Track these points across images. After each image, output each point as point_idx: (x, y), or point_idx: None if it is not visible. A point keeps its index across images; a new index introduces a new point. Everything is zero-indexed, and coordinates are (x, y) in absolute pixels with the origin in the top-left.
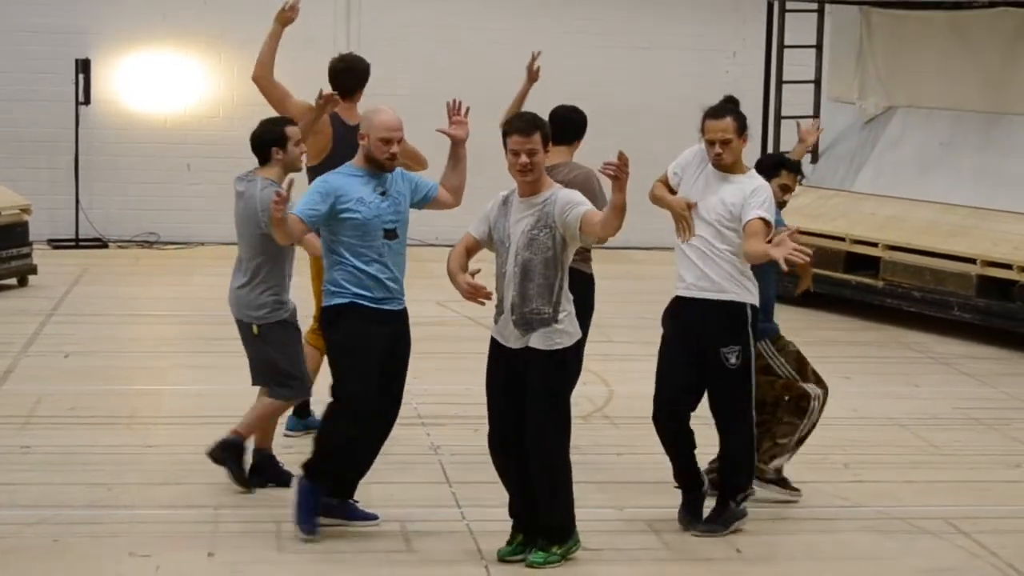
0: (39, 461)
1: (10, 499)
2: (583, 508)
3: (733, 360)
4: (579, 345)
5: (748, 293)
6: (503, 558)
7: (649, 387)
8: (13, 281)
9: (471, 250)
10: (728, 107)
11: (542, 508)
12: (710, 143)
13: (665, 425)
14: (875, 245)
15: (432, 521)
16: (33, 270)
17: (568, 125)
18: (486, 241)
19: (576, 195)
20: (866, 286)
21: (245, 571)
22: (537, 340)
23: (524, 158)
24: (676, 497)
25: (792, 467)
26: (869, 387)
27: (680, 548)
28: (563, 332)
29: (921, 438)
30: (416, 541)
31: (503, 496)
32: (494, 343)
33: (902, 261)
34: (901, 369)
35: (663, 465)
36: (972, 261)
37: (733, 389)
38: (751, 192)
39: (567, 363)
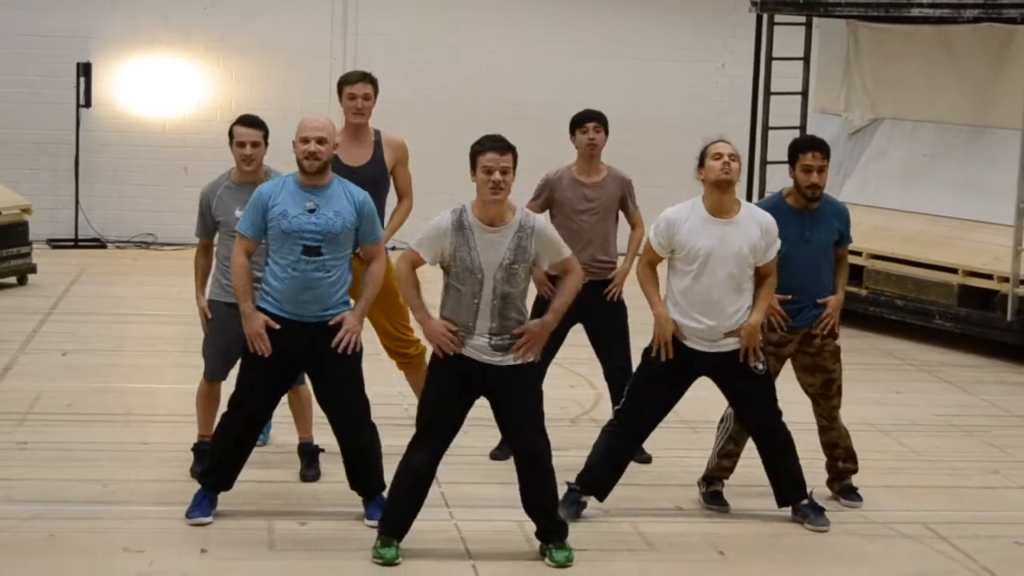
0: (36, 457)
1: (7, 494)
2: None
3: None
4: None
5: None
6: (391, 561)
7: None
8: (13, 280)
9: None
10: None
11: (550, 510)
12: (718, 156)
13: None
14: (859, 254)
15: (421, 520)
16: (32, 269)
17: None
18: (434, 263)
19: (554, 232)
20: (850, 294)
21: (237, 568)
22: (508, 357)
23: (497, 175)
24: (661, 495)
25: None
26: (851, 393)
27: (664, 547)
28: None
29: (902, 444)
30: (405, 541)
31: (493, 496)
32: (459, 356)
33: (885, 270)
34: (883, 376)
35: (651, 467)
36: (954, 271)
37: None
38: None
39: (540, 373)
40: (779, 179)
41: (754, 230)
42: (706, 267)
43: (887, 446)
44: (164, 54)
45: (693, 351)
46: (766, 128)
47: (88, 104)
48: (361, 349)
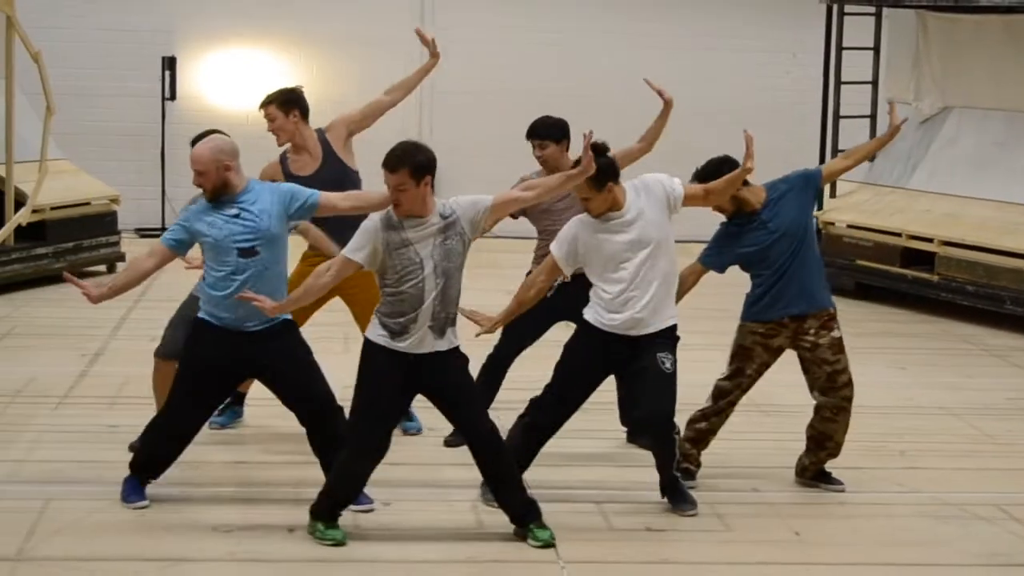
0: (126, 440)
1: (99, 476)
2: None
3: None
4: None
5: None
6: (342, 541)
7: None
8: (103, 268)
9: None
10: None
11: (519, 490)
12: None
13: None
14: (930, 241)
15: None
16: (121, 257)
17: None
18: (371, 266)
19: (474, 196)
20: (922, 280)
21: (324, 548)
22: (446, 342)
23: (394, 194)
24: (736, 477)
25: (849, 454)
26: (924, 378)
27: (740, 528)
28: (457, 330)
29: (974, 427)
30: (485, 517)
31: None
32: (394, 354)
33: (956, 256)
34: (955, 361)
35: (724, 451)
36: None
37: None
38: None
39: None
40: None
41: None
42: None
43: (960, 429)
44: (246, 48)
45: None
46: (837, 117)
47: (173, 97)
48: (307, 349)
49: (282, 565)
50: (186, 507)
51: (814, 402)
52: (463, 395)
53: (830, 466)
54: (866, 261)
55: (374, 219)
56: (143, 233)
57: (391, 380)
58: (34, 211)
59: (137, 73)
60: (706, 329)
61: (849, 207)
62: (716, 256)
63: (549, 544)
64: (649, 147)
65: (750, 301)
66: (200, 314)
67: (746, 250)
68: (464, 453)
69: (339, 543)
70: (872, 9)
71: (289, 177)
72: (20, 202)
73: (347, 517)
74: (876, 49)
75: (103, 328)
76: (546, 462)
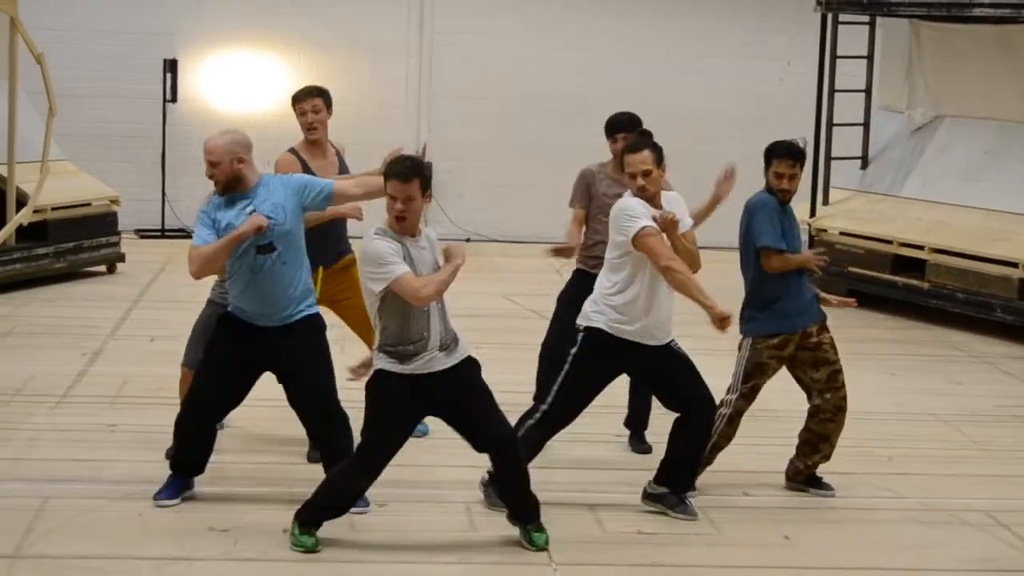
0: (125, 439)
1: (97, 474)
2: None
3: None
4: None
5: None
6: (312, 549)
7: None
8: (103, 268)
9: None
10: (645, 140)
11: (529, 495)
12: (632, 176)
13: None
14: (921, 248)
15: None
16: (121, 258)
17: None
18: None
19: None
20: (912, 287)
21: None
22: (458, 355)
23: (399, 205)
24: (728, 481)
25: (837, 459)
26: (913, 384)
27: (731, 532)
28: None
29: (963, 433)
30: (478, 519)
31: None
32: (405, 379)
33: (947, 264)
34: (944, 367)
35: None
36: (1014, 265)
37: None
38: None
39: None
40: (843, 175)
41: None
42: None
43: (949, 435)
44: (247, 51)
45: None
46: (830, 125)
47: (174, 99)
48: (325, 342)
49: (277, 565)
50: (183, 507)
51: (806, 406)
52: (482, 401)
53: (820, 471)
54: (857, 268)
55: (381, 238)
56: (143, 234)
57: (401, 406)
58: (35, 211)
59: (138, 75)
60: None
61: (841, 214)
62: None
63: (543, 549)
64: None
65: (757, 315)
66: (229, 307)
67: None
68: (458, 455)
69: (309, 551)
70: (866, 18)
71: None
72: (21, 202)
73: (343, 518)
74: (870, 58)
75: (103, 328)
76: (539, 465)
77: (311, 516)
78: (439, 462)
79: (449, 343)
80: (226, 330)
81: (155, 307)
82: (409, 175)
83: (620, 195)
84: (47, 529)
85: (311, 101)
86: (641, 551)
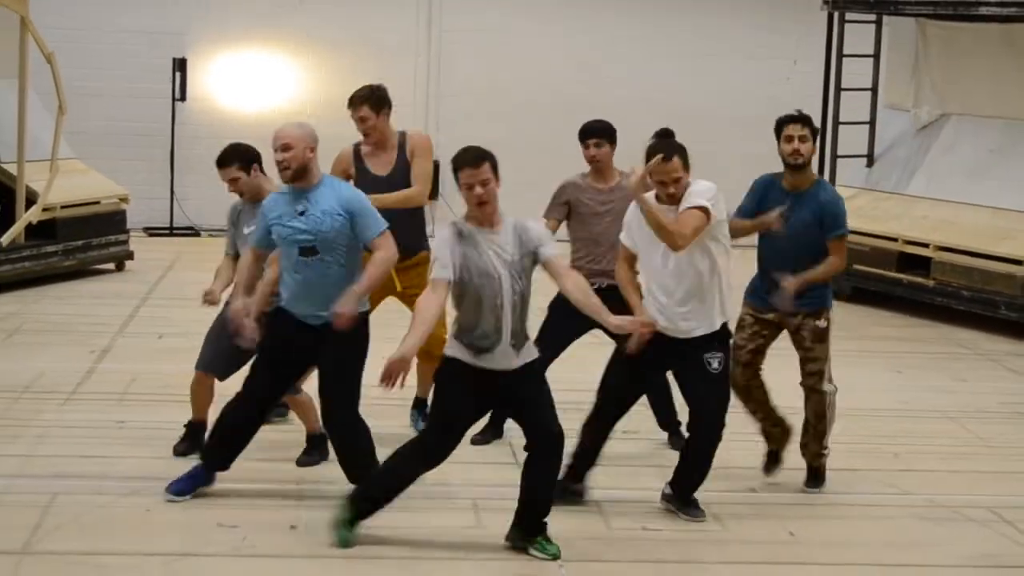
0: (133, 436)
1: (105, 471)
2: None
3: None
4: None
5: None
6: (346, 544)
7: None
8: (111, 266)
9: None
10: (672, 144)
11: (550, 501)
12: (662, 184)
13: None
14: (927, 246)
15: (502, 500)
16: (130, 256)
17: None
18: (456, 277)
19: (542, 227)
20: (918, 285)
21: (326, 545)
22: (524, 356)
23: (479, 189)
24: (732, 477)
25: (843, 455)
26: (919, 381)
27: (736, 529)
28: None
29: (968, 430)
30: (486, 516)
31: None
32: (475, 371)
33: (952, 262)
34: (950, 364)
35: (720, 451)
36: (1019, 263)
37: None
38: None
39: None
40: (850, 173)
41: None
42: None
43: (954, 432)
44: (256, 49)
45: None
46: (836, 123)
47: (183, 98)
48: (361, 347)
49: (284, 561)
50: (191, 503)
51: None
52: (541, 398)
53: (829, 467)
54: (863, 265)
55: (444, 232)
56: (151, 232)
57: (466, 396)
58: (45, 209)
59: (148, 74)
60: None
61: (847, 212)
62: None
63: (558, 557)
64: None
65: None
66: (279, 304)
67: None
68: (465, 452)
69: (344, 544)
70: (872, 17)
71: (362, 171)
72: (31, 200)
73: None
74: (876, 56)
75: (111, 325)
76: None
77: (366, 506)
78: (448, 460)
79: (521, 343)
80: (277, 322)
81: (163, 305)
82: (478, 161)
83: (605, 203)
84: (55, 525)
85: (357, 112)
86: (647, 548)
